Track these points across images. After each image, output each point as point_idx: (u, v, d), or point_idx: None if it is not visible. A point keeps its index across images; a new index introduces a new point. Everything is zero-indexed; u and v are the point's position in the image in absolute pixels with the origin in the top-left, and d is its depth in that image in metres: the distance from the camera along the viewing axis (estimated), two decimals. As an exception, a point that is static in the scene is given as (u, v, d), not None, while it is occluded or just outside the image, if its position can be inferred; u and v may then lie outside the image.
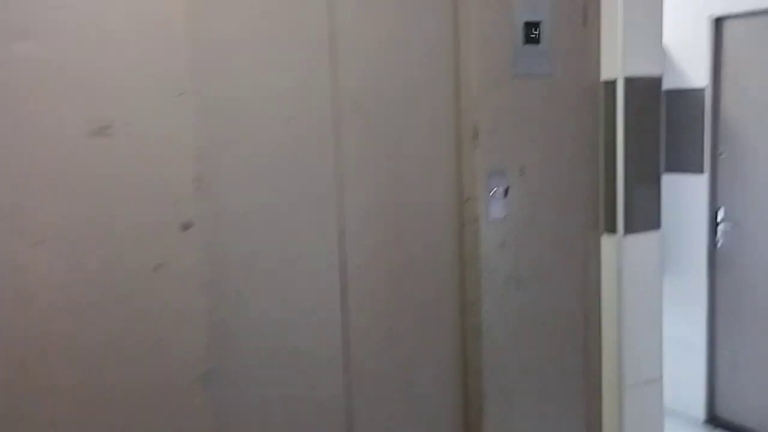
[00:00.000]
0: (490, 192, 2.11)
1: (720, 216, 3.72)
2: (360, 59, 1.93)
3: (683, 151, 3.81)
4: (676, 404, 3.72)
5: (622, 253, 2.30)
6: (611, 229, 2.32)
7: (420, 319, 2.09)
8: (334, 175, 1.91)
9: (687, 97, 3.77)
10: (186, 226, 1.68)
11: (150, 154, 1.64)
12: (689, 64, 3.76)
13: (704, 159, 3.75)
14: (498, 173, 2.12)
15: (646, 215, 2.35)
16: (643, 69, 2.27)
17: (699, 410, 3.86)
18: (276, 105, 1.82)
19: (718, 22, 3.67)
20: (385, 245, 2.01)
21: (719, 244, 3.74)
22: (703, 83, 3.71)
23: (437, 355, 2.12)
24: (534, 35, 2.12)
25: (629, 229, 2.31)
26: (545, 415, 2.27)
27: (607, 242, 2.34)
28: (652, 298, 2.39)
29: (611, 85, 2.26)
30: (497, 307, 2.15)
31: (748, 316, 3.66)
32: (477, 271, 2.11)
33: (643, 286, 2.35)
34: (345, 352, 1.94)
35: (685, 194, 3.81)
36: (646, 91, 2.29)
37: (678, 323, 3.67)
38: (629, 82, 2.24)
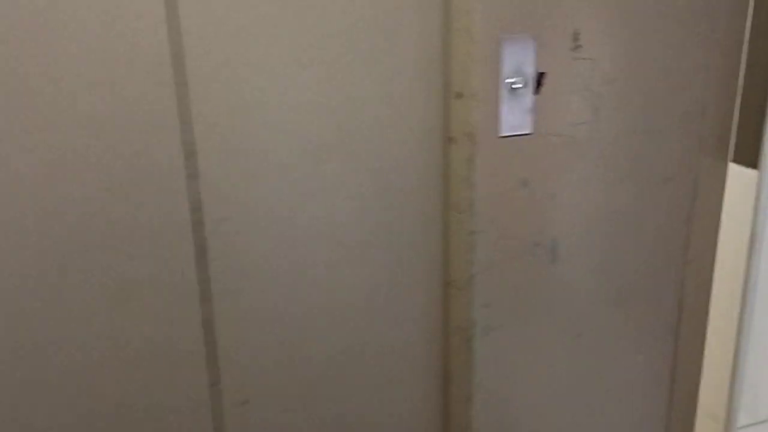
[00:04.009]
0: (506, 81, 1.08)
1: None
2: None
3: None
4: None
5: None
6: (751, 159, 1.24)
7: (364, 308, 1.17)
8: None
9: None
10: None
11: None
12: None
13: None
14: (521, 44, 1.08)
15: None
16: None
17: None
18: None
19: None
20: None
21: None
22: None
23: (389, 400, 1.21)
24: None
25: (787, 159, 1.22)
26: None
27: (740, 179, 1.27)
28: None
29: None
30: (506, 293, 1.18)
31: None
32: (468, 231, 1.14)
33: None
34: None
35: None
36: None
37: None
38: None
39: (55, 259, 0.99)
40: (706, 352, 1.36)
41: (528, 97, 1.10)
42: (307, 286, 1.13)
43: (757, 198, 1.25)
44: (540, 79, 1.10)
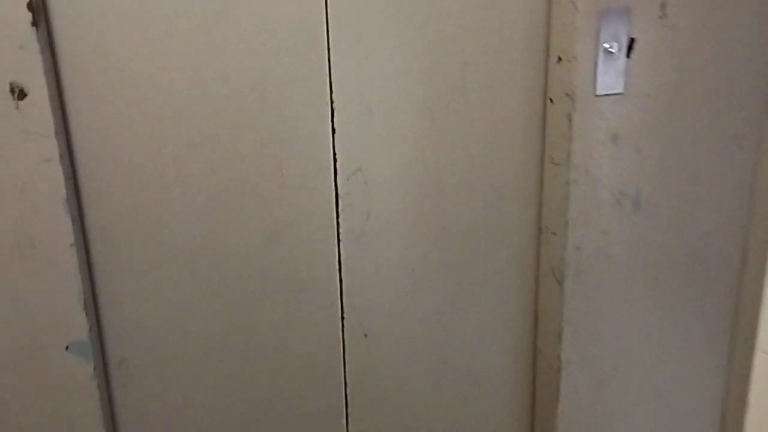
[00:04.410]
0: (601, 47, 1.21)
1: None
2: None
3: None
4: None
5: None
6: (813, 116, 1.37)
7: (468, 251, 1.32)
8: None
9: None
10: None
11: None
12: None
13: None
14: (616, 13, 1.21)
15: None
16: None
17: None
18: None
19: None
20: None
21: None
22: None
23: (491, 320, 1.36)
24: None
25: None
26: (663, 401, 1.48)
27: (799, 137, 1.40)
28: None
29: None
30: (595, 238, 1.32)
31: None
32: (565, 181, 1.27)
33: None
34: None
35: None
36: None
37: None
38: None
39: (219, 201, 1.13)
40: (766, 293, 1.50)
41: (621, 61, 1.23)
42: (420, 229, 1.28)
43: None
44: (631, 44, 1.23)
